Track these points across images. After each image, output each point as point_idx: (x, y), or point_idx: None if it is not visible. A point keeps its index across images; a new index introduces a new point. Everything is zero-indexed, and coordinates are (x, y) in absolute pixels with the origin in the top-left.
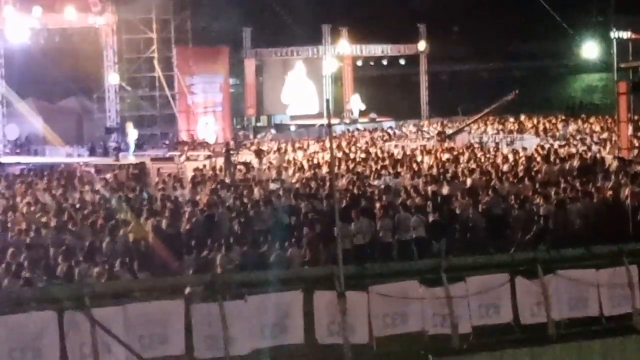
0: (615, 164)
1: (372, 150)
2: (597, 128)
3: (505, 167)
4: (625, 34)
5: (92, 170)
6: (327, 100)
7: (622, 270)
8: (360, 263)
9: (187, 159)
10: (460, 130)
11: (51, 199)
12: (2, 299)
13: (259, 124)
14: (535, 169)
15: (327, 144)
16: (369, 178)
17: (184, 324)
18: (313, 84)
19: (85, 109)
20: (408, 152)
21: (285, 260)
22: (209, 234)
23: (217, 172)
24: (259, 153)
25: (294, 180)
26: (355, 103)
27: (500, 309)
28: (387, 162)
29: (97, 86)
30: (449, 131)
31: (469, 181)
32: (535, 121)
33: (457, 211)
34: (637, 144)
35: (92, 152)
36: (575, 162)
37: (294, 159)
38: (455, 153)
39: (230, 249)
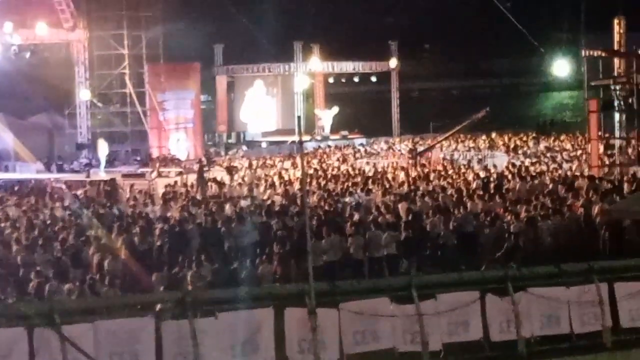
0: (584, 181)
1: (343, 167)
2: (567, 146)
3: (476, 185)
4: (596, 52)
5: (63, 186)
6: (299, 117)
7: (592, 288)
8: (331, 280)
9: (159, 175)
10: (431, 148)
11: (22, 215)
12: None
13: (230, 141)
14: (506, 186)
15: (298, 161)
16: (340, 195)
17: (154, 341)
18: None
19: (56, 125)
20: (379, 169)
21: (256, 277)
22: (180, 251)
23: (189, 188)
24: (230, 170)
25: (265, 197)
26: (327, 116)
27: (470, 327)
28: (358, 179)
29: (68, 102)
30: (420, 148)
31: (440, 198)
32: (506, 139)
33: (428, 228)
34: (607, 162)
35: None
36: (548, 180)
37: (265, 175)
38: (426, 170)
39: (200, 266)
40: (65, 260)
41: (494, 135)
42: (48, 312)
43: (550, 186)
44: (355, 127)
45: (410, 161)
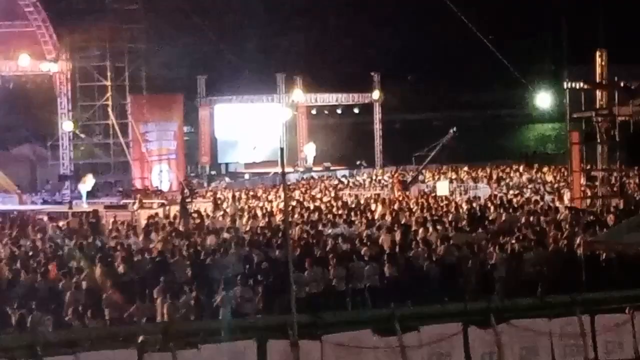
0: (567, 213)
1: (325, 199)
2: (549, 178)
3: (454, 216)
4: (578, 84)
5: (45, 218)
6: (282, 149)
7: (575, 320)
8: (314, 312)
9: (141, 206)
10: (417, 177)
11: (3, 246)
12: None
13: (212, 172)
14: (489, 218)
15: (281, 192)
16: (323, 226)
17: None
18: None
19: (39, 156)
20: (362, 201)
21: (239, 309)
22: (163, 282)
23: (172, 219)
24: (215, 202)
25: (247, 229)
26: (310, 151)
27: (453, 358)
28: (341, 211)
29: (51, 133)
30: (408, 179)
31: (423, 230)
32: (488, 170)
33: (411, 260)
34: (589, 194)
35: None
36: (530, 212)
37: (248, 207)
38: (410, 202)
39: (178, 297)
40: (48, 291)
41: (476, 167)
42: (30, 344)
43: (533, 218)
44: (338, 158)
45: (400, 193)
